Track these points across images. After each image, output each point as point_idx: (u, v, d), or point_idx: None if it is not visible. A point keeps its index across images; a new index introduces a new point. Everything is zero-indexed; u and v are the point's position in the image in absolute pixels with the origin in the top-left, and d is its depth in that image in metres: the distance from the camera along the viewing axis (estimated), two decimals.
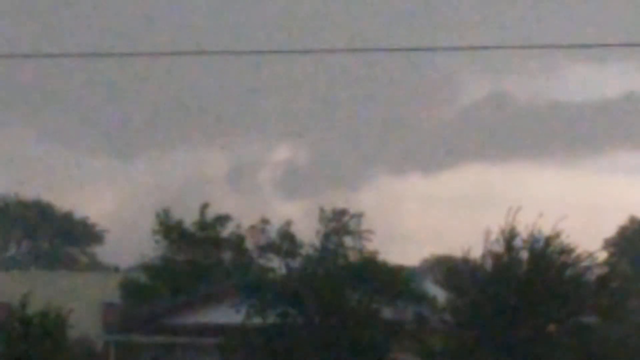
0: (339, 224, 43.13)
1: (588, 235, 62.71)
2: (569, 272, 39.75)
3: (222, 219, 55.46)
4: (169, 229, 55.34)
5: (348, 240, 43.77)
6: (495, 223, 38.52)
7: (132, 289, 57.59)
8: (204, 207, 56.42)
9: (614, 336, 40.55)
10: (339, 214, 43.32)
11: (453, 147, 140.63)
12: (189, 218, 56.88)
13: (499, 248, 38.75)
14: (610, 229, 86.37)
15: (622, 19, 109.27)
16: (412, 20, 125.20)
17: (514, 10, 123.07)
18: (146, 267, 57.08)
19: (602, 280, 40.41)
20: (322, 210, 43.71)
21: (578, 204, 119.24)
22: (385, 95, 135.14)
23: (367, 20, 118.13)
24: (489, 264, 39.20)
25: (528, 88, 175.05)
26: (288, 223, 47.36)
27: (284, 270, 43.03)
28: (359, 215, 46.37)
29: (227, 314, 40.58)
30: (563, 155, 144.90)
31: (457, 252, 42.03)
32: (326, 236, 42.19)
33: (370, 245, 43.59)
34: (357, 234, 43.42)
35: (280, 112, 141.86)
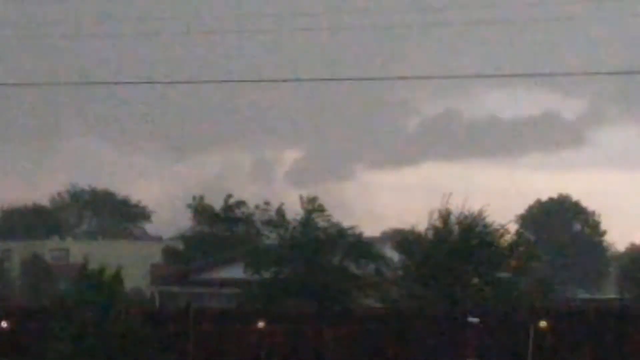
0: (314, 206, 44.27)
1: (506, 212, 65.02)
2: (488, 239, 41.13)
3: (239, 203, 56.80)
4: (200, 210, 56.81)
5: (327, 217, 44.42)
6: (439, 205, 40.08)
7: (171, 254, 59.21)
8: (228, 196, 57.62)
9: (521, 287, 42.09)
10: (313, 199, 44.51)
11: (416, 149, 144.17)
12: (217, 202, 58.27)
13: (439, 223, 40.54)
14: (521, 208, 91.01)
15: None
16: (384, 52, 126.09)
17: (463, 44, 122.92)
18: (182, 238, 58.22)
19: (512, 245, 42.06)
20: (301, 196, 44.73)
21: (502, 190, 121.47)
22: (366, 112, 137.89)
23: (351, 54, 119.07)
24: (430, 234, 40.67)
25: (471, 107, 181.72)
26: (282, 204, 47.93)
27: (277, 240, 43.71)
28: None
29: (238, 272, 42.27)
30: (498, 155, 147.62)
31: (408, 226, 44.05)
32: (308, 213, 43.44)
33: (349, 221, 44.22)
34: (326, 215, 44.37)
35: (290, 127, 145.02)
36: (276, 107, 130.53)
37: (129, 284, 33.87)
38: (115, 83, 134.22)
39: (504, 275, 40.52)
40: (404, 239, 44.86)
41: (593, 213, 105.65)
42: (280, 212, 47.75)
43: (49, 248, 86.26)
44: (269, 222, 48.95)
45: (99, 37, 65.08)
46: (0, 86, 50.68)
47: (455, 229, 40.03)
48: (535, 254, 44.78)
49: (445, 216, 40.02)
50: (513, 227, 46.59)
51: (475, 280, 39.74)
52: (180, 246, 58.92)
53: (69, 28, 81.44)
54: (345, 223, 42.77)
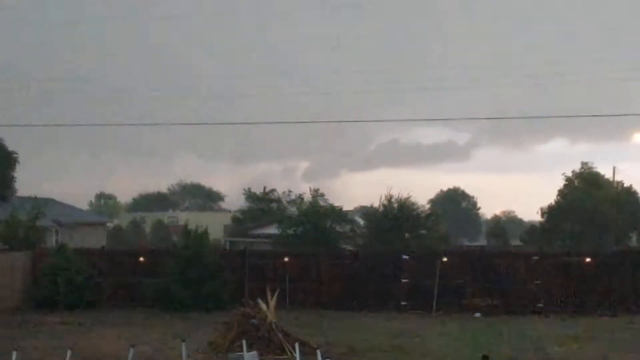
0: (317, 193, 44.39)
1: (424, 198, 65.39)
2: (413, 212, 40.67)
3: (272, 190, 56.74)
4: (251, 195, 56.75)
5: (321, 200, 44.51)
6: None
7: (235, 220, 59.37)
8: (264, 187, 57.58)
9: (433, 238, 42.16)
10: (316, 189, 44.68)
11: (375, 161, 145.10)
12: (259, 190, 58.18)
13: (386, 203, 40.14)
14: (432, 194, 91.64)
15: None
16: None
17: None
18: (241, 211, 58.22)
19: (427, 216, 41.85)
20: (310, 187, 44.87)
21: (422, 185, 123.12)
22: (347, 140, 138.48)
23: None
24: (381, 209, 40.53)
25: (405, 137, 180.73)
26: (297, 192, 49.59)
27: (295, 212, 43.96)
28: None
29: (273, 230, 41.54)
30: (420, 164, 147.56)
31: (369, 204, 44.21)
32: (313, 197, 43.57)
33: (336, 201, 43.34)
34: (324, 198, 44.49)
35: (303, 149, 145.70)
36: (295, 139, 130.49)
37: (211, 236, 33.75)
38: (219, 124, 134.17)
39: (422, 232, 40.73)
40: (366, 212, 45.28)
41: (473, 197, 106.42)
42: (295, 196, 49.06)
43: (166, 217, 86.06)
44: (290, 202, 49.01)
45: None
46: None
47: (395, 206, 39.95)
48: (439, 221, 44.60)
49: (389, 199, 39.91)
50: (427, 206, 46.97)
51: (407, 234, 39.21)
52: (240, 215, 59.05)
53: None
54: (335, 203, 42.61)
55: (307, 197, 45.30)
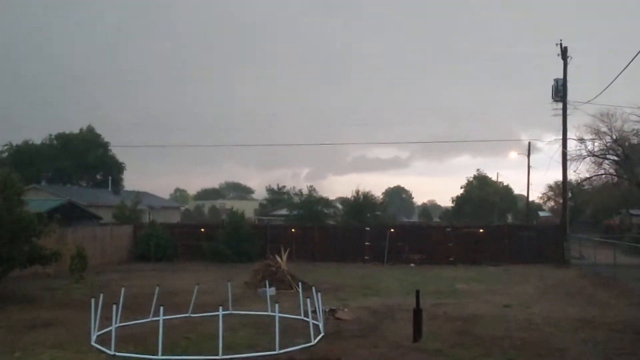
0: (312, 189, 43.72)
1: (379, 191, 64.16)
2: (372, 201, 40.04)
3: (283, 186, 56.08)
4: (270, 189, 56.20)
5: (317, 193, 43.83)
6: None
7: (261, 205, 59.11)
8: (278, 184, 57.09)
9: (383, 216, 41.89)
10: (312, 186, 43.87)
11: (350, 168, 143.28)
12: (274, 186, 57.45)
13: (356, 195, 39.82)
14: (384, 189, 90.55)
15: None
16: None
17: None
18: (265, 200, 57.97)
19: (380, 204, 41.54)
20: (308, 185, 44.56)
21: (379, 184, 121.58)
22: (331, 156, 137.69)
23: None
24: (352, 199, 40.07)
25: (370, 154, 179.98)
26: (299, 188, 48.27)
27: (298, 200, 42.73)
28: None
29: (284, 211, 41.71)
30: (379, 171, 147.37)
31: (346, 195, 44.14)
32: (310, 191, 42.75)
33: (324, 193, 44.09)
34: (316, 192, 43.77)
35: (306, 161, 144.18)
36: (300, 154, 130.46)
37: (246, 216, 33.33)
38: (251, 146, 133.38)
39: (378, 213, 40.50)
40: (343, 200, 45.16)
41: (409, 191, 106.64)
42: (299, 191, 47.43)
43: (218, 203, 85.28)
44: (295, 194, 47.83)
45: None
46: None
47: (362, 196, 39.72)
48: (388, 206, 44.44)
49: (357, 192, 39.60)
50: (381, 197, 46.81)
51: (368, 215, 38.56)
52: (264, 202, 58.69)
53: None
54: (323, 194, 42.45)
55: (305, 191, 44.48)
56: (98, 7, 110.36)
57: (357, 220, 35.96)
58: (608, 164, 35.11)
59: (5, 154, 54.69)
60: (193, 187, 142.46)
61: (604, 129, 33.22)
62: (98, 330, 10.21)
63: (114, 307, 10.02)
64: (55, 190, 40.97)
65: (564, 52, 27.22)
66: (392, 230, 29.27)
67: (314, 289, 11.99)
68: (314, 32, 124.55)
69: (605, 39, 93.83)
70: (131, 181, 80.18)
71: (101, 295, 10.65)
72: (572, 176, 34.14)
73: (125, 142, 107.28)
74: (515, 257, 27.17)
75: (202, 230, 30.73)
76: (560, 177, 29.28)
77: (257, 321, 12.16)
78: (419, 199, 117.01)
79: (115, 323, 9.87)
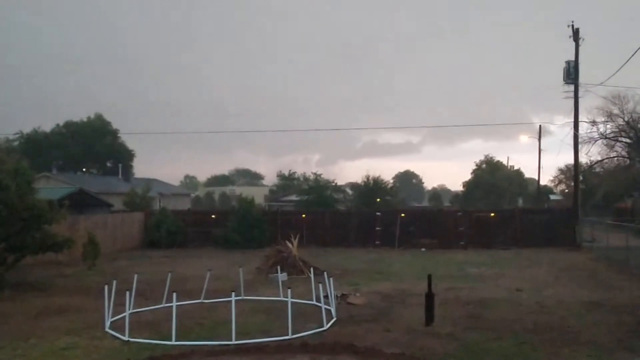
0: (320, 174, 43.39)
1: (389, 176, 63.87)
2: (382, 186, 39.92)
3: (293, 172, 56.18)
4: (280, 176, 56.25)
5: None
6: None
7: (271, 191, 59.21)
8: (289, 170, 57.14)
9: (395, 200, 41.80)
10: (318, 172, 43.64)
11: (360, 153, 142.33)
12: (286, 171, 57.26)
13: (366, 180, 39.90)
14: (395, 173, 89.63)
15: None
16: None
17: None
18: (274, 185, 58.06)
19: (391, 188, 41.36)
20: (315, 172, 43.98)
21: (389, 168, 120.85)
22: (340, 142, 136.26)
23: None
24: (363, 184, 40.07)
25: (380, 139, 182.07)
26: (309, 174, 47.38)
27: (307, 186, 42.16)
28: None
29: (293, 197, 41.85)
30: (389, 156, 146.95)
31: (355, 180, 43.98)
32: (317, 177, 42.21)
33: (336, 180, 43.59)
34: (324, 177, 43.45)
35: (316, 148, 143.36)
36: (312, 139, 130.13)
37: (256, 202, 33.38)
38: (251, 131, 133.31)
39: (388, 197, 40.36)
40: (353, 185, 45.08)
41: (419, 176, 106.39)
42: (304, 176, 47.92)
43: (228, 190, 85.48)
44: (305, 180, 47.69)
45: None
46: None
47: (372, 181, 39.72)
48: (398, 191, 44.40)
49: (368, 177, 39.69)
50: (391, 181, 46.48)
51: (378, 199, 38.40)
52: (274, 188, 58.74)
53: None
54: (333, 180, 41.78)
55: (311, 177, 43.96)
56: None
57: (367, 205, 35.86)
58: (620, 147, 34.86)
59: (16, 143, 55.13)
60: (203, 174, 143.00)
61: (615, 111, 33.00)
62: (112, 317, 10.32)
63: (127, 293, 10.00)
64: (66, 178, 41.23)
65: (575, 34, 26.93)
66: (403, 215, 29.21)
67: (325, 274, 11.87)
68: (330, 19, 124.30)
69: (618, 20, 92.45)
70: (141, 169, 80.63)
71: (114, 282, 10.71)
72: (583, 159, 34.00)
73: (135, 130, 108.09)
74: (526, 241, 27.03)
75: (213, 216, 30.90)
76: (571, 160, 29.29)
77: (270, 307, 12.18)
78: (429, 183, 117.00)
79: (129, 309, 9.87)
